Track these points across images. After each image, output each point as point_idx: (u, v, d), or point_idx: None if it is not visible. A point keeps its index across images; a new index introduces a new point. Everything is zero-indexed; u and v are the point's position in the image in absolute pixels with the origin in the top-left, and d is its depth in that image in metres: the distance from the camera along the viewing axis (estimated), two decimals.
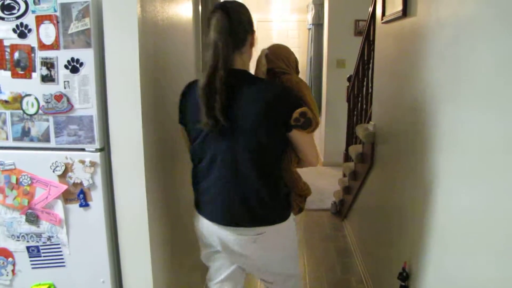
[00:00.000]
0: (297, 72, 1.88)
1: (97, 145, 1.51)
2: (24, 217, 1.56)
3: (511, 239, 1.09)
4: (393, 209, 2.18)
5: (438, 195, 1.56)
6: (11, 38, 1.44)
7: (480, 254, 1.24)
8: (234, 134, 1.44)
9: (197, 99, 1.43)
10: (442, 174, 1.53)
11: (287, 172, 1.66)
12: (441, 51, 1.57)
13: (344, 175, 3.89)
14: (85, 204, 1.55)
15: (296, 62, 1.87)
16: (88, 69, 1.44)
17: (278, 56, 1.80)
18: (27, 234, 1.58)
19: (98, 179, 1.53)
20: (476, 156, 1.27)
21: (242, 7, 1.50)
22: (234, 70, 1.45)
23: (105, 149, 1.54)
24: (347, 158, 3.93)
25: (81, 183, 1.53)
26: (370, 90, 3.27)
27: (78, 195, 1.54)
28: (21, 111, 1.49)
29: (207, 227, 1.59)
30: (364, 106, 3.50)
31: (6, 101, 1.49)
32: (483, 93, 1.24)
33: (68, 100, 1.47)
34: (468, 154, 1.33)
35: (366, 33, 3.37)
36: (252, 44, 1.54)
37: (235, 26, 1.43)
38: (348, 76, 4.02)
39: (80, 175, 1.52)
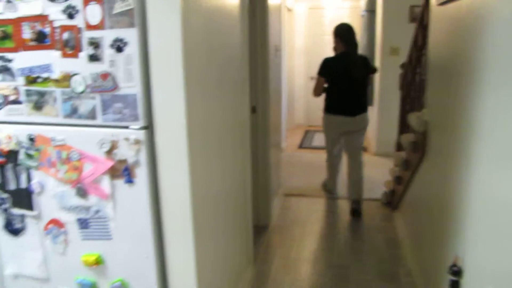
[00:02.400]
0: None
1: (141, 123, 1.55)
2: (74, 190, 1.64)
3: None
4: (446, 201, 2.07)
5: (495, 188, 1.45)
6: (61, 19, 1.51)
7: None
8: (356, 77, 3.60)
9: (338, 66, 3.59)
10: (500, 166, 1.42)
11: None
12: (501, 32, 1.46)
13: (396, 165, 3.76)
14: (130, 180, 1.60)
15: None
16: (132, 49, 1.48)
17: None
18: (77, 207, 1.67)
19: (143, 157, 1.57)
20: None
21: None
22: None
23: (149, 127, 1.57)
24: (399, 147, 3.80)
25: (126, 160, 1.58)
26: (423, 77, 3.12)
27: (123, 172, 1.59)
28: (70, 89, 1.57)
29: (338, 119, 3.64)
30: (417, 94, 3.35)
31: (56, 80, 1.57)
32: None
33: (114, 79, 1.52)
34: None
35: (420, 17, 3.22)
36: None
37: None
38: (401, 63, 3.87)
39: (125, 152, 1.57)
